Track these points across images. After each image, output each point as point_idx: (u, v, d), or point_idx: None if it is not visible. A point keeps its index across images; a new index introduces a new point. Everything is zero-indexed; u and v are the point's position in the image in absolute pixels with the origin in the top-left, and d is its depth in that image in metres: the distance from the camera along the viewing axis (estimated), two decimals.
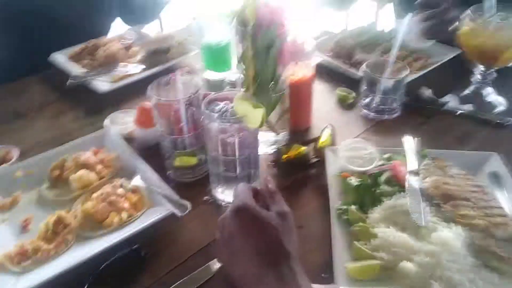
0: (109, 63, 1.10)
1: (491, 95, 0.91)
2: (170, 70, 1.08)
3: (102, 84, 1.01)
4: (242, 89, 0.65)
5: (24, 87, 1.08)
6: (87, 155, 0.75)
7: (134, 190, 0.69)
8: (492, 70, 0.88)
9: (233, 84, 0.94)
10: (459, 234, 0.55)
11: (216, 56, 1.07)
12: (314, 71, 0.82)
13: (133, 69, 1.08)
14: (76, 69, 1.08)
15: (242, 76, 0.73)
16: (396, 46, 0.87)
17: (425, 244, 0.54)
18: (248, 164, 0.66)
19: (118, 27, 1.44)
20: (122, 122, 0.87)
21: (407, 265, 0.52)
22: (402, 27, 0.88)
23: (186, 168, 0.74)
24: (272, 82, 0.67)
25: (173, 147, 0.72)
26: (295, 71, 0.79)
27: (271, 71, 0.67)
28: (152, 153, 0.77)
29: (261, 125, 0.59)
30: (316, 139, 0.78)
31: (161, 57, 1.11)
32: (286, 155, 0.75)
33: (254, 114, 0.58)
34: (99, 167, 0.74)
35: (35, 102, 1.01)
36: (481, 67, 0.88)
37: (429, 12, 0.97)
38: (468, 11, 0.84)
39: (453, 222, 0.57)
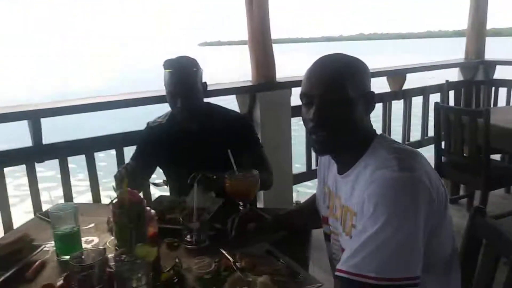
0: None
1: None
2: (28, 266, 1.33)
3: None
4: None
5: None
6: None
7: None
8: (247, 203, 1.58)
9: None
10: (267, 277, 1.12)
11: (68, 242, 1.40)
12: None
13: None
14: None
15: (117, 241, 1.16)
16: (194, 206, 1.46)
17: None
18: None
19: None
20: None
21: None
22: (194, 194, 1.49)
23: None
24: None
25: None
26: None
27: (142, 230, 1.15)
28: None
29: (155, 258, 1.04)
30: (172, 267, 1.24)
31: (15, 257, 1.34)
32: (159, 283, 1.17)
33: (150, 252, 1.04)
34: None
35: None
36: (241, 203, 1.58)
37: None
38: (226, 174, 1.54)
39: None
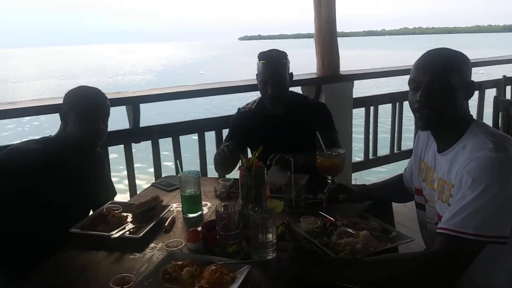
0: (119, 224, 1.58)
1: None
2: (162, 220, 1.65)
3: (133, 236, 1.50)
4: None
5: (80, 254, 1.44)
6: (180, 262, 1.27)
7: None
8: (333, 177, 1.84)
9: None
10: (367, 232, 1.38)
11: (192, 203, 1.71)
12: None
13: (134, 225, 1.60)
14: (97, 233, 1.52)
15: (242, 199, 1.44)
16: (292, 178, 1.72)
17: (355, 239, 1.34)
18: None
19: None
20: (173, 246, 1.41)
21: (358, 246, 1.30)
22: (292, 176, 1.75)
23: (234, 253, 1.34)
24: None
25: (227, 240, 1.33)
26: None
27: (264, 191, 1.43)
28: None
29: (282, 211, 1.32)
30: (283, 223, 1.51)
31: (150, 213, 1.66)
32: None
33: (279, 205, 1.31)
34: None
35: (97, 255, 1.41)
36: (329, 177, 1.83)
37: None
38: (317, 152, 1.80)
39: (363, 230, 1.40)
